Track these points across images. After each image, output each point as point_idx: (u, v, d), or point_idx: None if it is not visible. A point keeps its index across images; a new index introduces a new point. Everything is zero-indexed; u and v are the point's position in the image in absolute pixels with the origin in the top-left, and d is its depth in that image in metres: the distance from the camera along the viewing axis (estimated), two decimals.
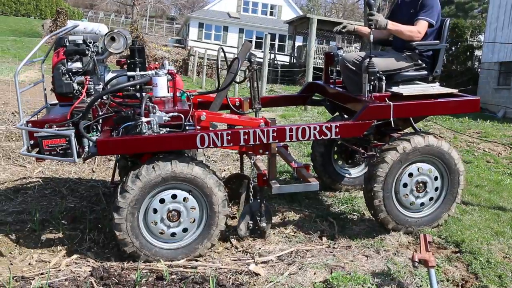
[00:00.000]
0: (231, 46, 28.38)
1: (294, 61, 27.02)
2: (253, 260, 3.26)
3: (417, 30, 3.67)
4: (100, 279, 2.89)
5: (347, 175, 4.82)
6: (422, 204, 3.70)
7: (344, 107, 4.11)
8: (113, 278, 2.88)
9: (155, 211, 3.15)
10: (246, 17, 38.11)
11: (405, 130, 4.15)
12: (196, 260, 3.28)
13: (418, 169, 3.61)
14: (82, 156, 3.19)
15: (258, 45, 34.06)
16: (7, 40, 26.02)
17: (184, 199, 3.19)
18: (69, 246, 3.55)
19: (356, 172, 4.83)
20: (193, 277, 2.91)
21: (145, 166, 3.08)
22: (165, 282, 2.88)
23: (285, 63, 28.56)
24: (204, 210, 3.26)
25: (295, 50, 27.87)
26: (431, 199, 3.71)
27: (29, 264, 3.30)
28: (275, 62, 27.92)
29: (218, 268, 3.10)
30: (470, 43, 23.89)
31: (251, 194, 3.60)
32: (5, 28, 33.31)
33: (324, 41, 28.70)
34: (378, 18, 3.54)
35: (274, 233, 3.85)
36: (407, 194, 3.63)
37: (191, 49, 29.52)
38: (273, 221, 4.14)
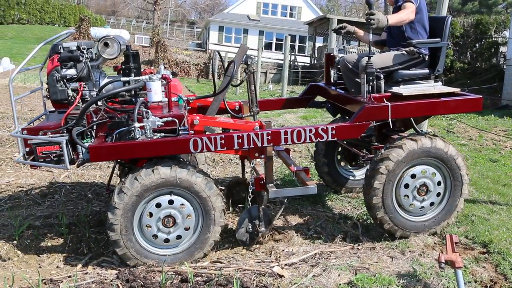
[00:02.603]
0: (252, 49, 28.41)
1: (315, 62, 26.90)
2: (277, 262, 3.25)
3: (410, 11, 3.65)
4: (126, 281, 2.93)
5: (351, 177, 4.76)
6: (422, 208, 3.61)
7: (344, 108, 4.05)
8: (139, 281, 2.92)
9: (150, 215, 3.15)
10: (265, 19, 38.11)
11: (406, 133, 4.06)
12: (221, 262, 3.30)
13: (422, 171, 3.53)
14: (77, 163, 3.19)
15: (279, 47, 34.05)
16: (33, 48, 26.61)
17: (181, 205, 3.18)
18: (96, 249, 3.61)
19: (360, 174, 4.76)
20: (217, 279, 2.93)
21: (145, 169, 3.08)
22: (189, 285, 2.90)
23: (305, 64, 28.46)
24: (200, 218, 3.24)
25: (316, 51, 27.76)
26: (431, 204, 3.61)
27: (57, 267, 3.37)
28: (296, 63, 27.87)
29: (242, 270, 3.11)
30: (495, 39, 23.39)
31: (249, 198, 3.57)
32: (30, 36, 34.14)
33: (345, 41, 28.50)
34: (379, 17, 3.48)
35: (297, 235, 3.84)
36: (407, 196, 3.55)
37: (212, 52, 29.67)
38: (296, 223, 4.15)
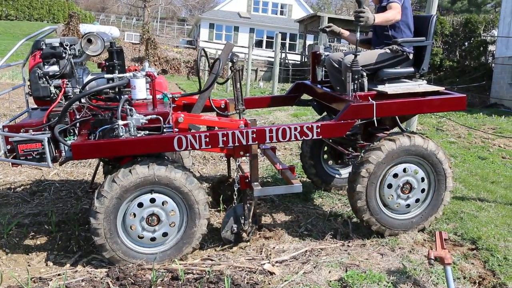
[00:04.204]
0: (242, 46, 28.40)
1: (305, 60, 26.94)
2: (267, 260, 3.26)
3: (396, 11, 3.66)
4: (116, 279, 2.92)
5: (337, 176, 4.76)
6: (408, 206, 3.62)
7: (330, 107, 4.05)
8: (129, 278, 2.91)
9: (133, 215, 3.12)
10: (256, 16, 38.08)
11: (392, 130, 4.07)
12: (212, 259, 3.29)
13: (403, 169, 3.54)
14: (59, 161, 3.15)
15: (269, 45, 34.04)
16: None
17: (163, 203, 3.15)
18: (85, 247, 3.59)
19: (346, 172, 4.74)
20: (208, 277, 2.92)
21: (122, 170, 3.04)
22: (180, 282, 2.90)
23: (296, 62, 28.48)
24: (184, 214, 3.22)
25: (306, 49, 27.80)
26: (417, 200, 3.63)
27: (47, 265, 3.35)
28: (286, 61, 27.88)
29: (232, 267, 3.11)
30: (484, 38, 23.61)
31: (235, 197, 3.56)
32: (19, 32, 33.72)
33: (335, 39, 28.55)
34: (369, 15, 3.48)
35: (288, 233, 3.85)
36: (391, 195, 3.56)
37: (198, 49, 29.54)
38: (287, 220, 4.16)
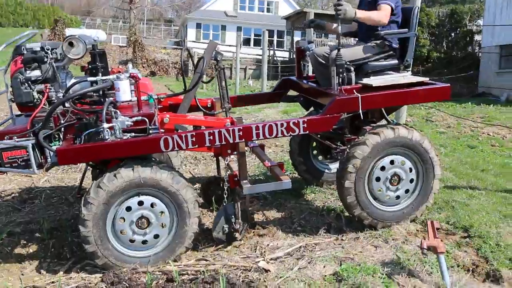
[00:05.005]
0: (230, 45, 28.35)
1: (294, 56, 26.98)
2: (262, 257, 3.26)
3: (384, 14, 3.65)
4: (111, 284, 2.90)
5: (327, 171, 4.74)
6: (398, 197, 3.63)
7: (316, 102, 4.04)
8: (124, 283, 2.89)
9: (123, 219, 3.08)
10: (243, 15, 38.03)
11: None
12: (206, 260, 3.29)
13: (390, 161, 3.54)
14: (45, 167, 3.12)
15: (257, 42, 34.00)
16: (7, 51, 26.08)
17: (152, 204, 3.12)
18: (79, 253, 3.56)
19: (336, 166, 4.72)
20: (203, 277, 2.92)
21: (107, 175, 3.00)
22: (175, 284, 2.89)
23: (285, 59, 28.50)
24: (174, 214, 3.19)
25: (294, 46, 27.83)
26: (407, 191, 3.64)
27: (40, 273, 3.32)
28: (275, 58, 27.88)
29: (227, 266, 3.10)
30: (470, 28, 23.76)
31: (225, 196, 3.53)
32: (3, 40, 33.46)
33: (323, 34, 28.61)
34: (347, 8, 3.49)
35: (281, 229, 3.85)
36: (381, 188, 3.56)
37: (190, 50, 29.48)
38: (280, 217, 4.16)
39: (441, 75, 20.74)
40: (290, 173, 5.19)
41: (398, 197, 3.63)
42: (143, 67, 26.50)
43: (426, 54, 24.32)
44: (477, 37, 23.26)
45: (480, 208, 3.91)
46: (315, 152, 4.74)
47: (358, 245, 3.41)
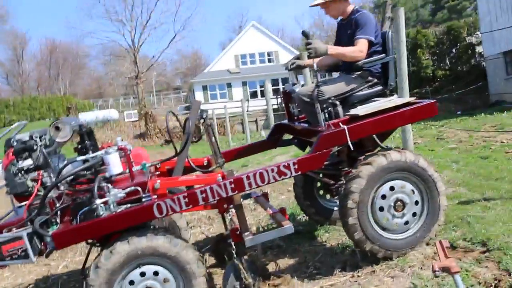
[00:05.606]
0: (237, 101, 28.85)
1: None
2: None
3: (358, 49, 3.63)
4: None
5: (336, 208, 4.57)
6: (407, 222, 3.48)
7: (310, 141, 3.98)
8: None
9: None
10: (246, 69, 38.94)
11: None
12: None
13: (390, 188, 3.43)
14: (45, 253, 3.10)
15: (264, 93, 34.56)
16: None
17: (155, 273, 3.02)
18: None
19: None
20: None
21: (104, 252, 2.94)
22: None
23: None
24: (179, 278, 3.07)
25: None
26: (414, 214, 3.50)
27: None
28: (283, 105, 28.13)
29: None
30: (469, 41, 23.82)
31: (233, 251, 3.42)
32: None
33: (326, 74, 28.96)
34: (316, 45, 3.51)
35: (296, 275, 3.74)
36: (386, 217, 3.43)
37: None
38: (295, 263, 4.05)
39: (451, 91, 20.63)
40: (303, 217, 5.12)
41: (407, 222, 3.50)
42: (157, 137, 27.02)
43: (431, 74, 24.32)
44: (478, 49, 23.27)
45: (496, 219, 3.75)
46: (321, 192, 4.66)
47: (374, 278, 3.28)
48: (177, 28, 51.90)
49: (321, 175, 4.37)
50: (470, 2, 40.74)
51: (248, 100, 21.90)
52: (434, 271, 2.69)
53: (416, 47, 23.32)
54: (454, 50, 24.50)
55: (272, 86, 32.35)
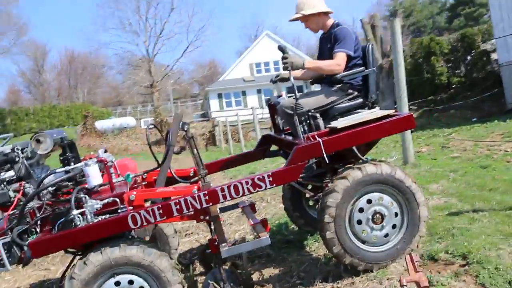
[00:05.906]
0: (251, 108, 28.95)
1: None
2: None
3: (336, 63, 3.64)
4: None
5: None
6: (387, 235, 3.45)
7: None
8: None
9: None
10: (260, 77, 39.03)
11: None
12: None
13: (368, 201, 3.41)
14: (24, 262, 3.17)
15: None
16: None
17: (130, 282, 3.06)
18: None
19: None
20: None
21: (78, 263, 2.99)
22: None
23: None
24: (154, 286, 3.10)
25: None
26: (394, 226, 3.46)
27: None
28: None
29: None
30: (483, 48, 23.49)
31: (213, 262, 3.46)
32: None
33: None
34: (293, 60, 3.53)
35: (279, 285, 3.76)
36: (365, 230, 3.41)
37: (214, 120, 30.33)
38: (280, 272, 4.06)
39: (466, 98, 20.35)
40: (295, 226, 5.12)
41: (387, 234, 3.46)
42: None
43: (446, 81, 24.04)
44: (493, 56, 22.93)
45: (481, 231, 3.69)
46: (310, 203, 4.66)
47: None
48: (190, 38, 52.20)
49: (310, 187, 4.38)
50: (487, 9, 40.20)
51: (262, 107, 21.98)
52: (402, 286, 2.68)
53: (430, 55, 23.11)
54: (469, 57, 24.18)
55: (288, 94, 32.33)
